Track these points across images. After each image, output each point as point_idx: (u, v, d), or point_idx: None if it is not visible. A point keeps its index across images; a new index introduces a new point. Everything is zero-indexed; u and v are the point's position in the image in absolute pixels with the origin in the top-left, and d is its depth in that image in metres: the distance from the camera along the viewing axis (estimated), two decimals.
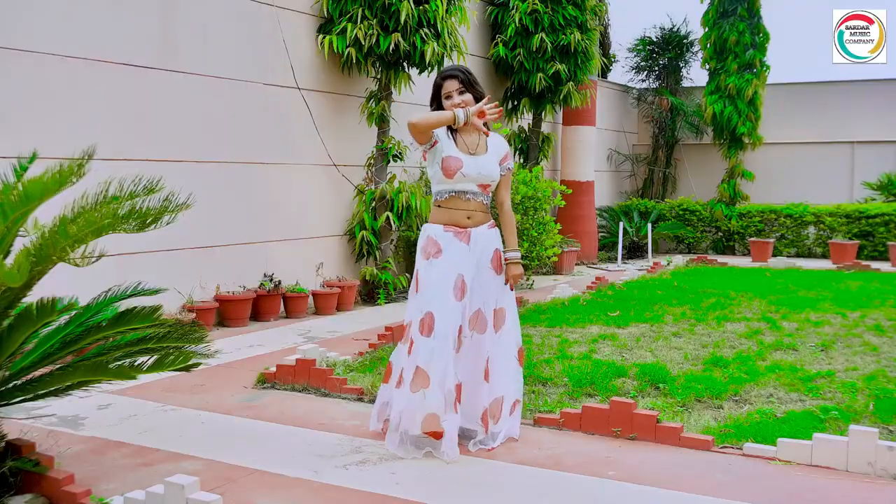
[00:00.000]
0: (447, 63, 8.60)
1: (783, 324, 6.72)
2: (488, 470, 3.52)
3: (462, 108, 3.78)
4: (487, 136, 3.88)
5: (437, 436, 3.59)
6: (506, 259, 3.90)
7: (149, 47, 6.52)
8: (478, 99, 3.87)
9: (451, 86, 3.83)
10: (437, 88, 3.88)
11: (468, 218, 3.81)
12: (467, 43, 9.23)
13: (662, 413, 4.10)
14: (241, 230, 7.35)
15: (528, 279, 10.02)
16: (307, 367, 4.80)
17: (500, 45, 10.72)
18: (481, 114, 3.75)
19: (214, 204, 7.02)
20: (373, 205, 8.27)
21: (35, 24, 5.71)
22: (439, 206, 3.84)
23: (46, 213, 3.03)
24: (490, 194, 3.90)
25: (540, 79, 10.53)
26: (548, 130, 12.44)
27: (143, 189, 2.99)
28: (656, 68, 15.56)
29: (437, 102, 3.88)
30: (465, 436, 3.82)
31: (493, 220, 3.94)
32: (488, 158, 3.85)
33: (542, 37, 10.39)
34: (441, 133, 3.84)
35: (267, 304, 7.30)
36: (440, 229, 3.80)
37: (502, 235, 3.98)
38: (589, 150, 12.52)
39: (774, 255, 12.88)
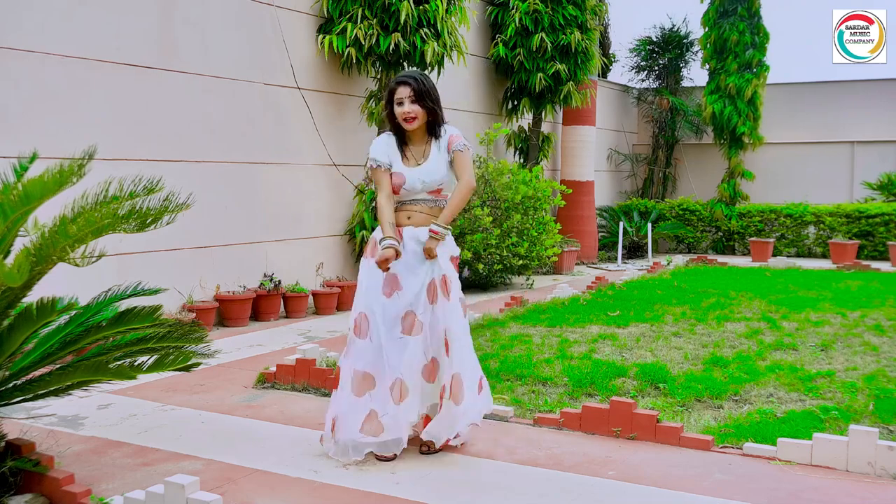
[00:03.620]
0: (447, 63, 8.61)
1: (783, 324, 6.72)
2: (488, 470, 3.52)
3: (411, 119, 3.71)
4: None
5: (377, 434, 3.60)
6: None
7: (149, 47, 6.52)
8: (430, 112, 3.75)
9: (403, 92, 3.73)
10: (391, 93, 3.78)
11: (408, 218, 3.78)
12: (467, 43, 9.23)
13: (662, 413, 4.10)
14: (240, 230, 7.35)
15: (528, 279, 10.03)
16: (307, 367, 4.80)
17: (500, 44, 10.72)
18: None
19: (214, 204, 7.02)
20: (373, 204, 8.27)
21: (35, 24, 5.71)
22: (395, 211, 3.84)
23: (46, 213, 3.03)
24: (445, 194, 3.81)
25: (540, 79, 10.53)
26: (548, 130, 12.44)
27: (143, 189, 2.99)
28: (656, 68, 15.56)
29: (390, 107, 3.81)
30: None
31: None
32: (431, 164, 3.77)
33: (542, 37, 10.39)
34: (391, 151, 3.80)
35: (267, 304, 7.30)
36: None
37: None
38: (589, 149, 12.52)
39: (774, 255, 12.88)
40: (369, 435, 3.57)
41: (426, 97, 3.74)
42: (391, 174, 3.77)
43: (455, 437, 3.71)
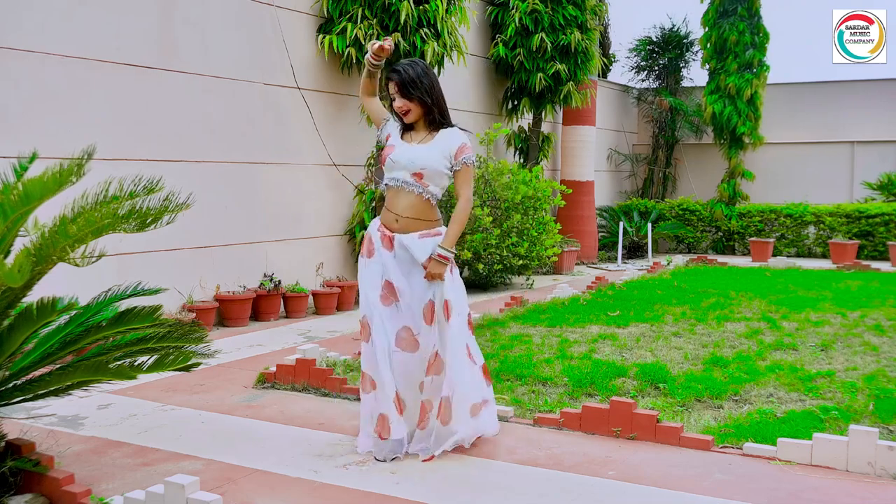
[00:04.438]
0: (447, 63, 8.61)
1: (783, 324, 6.72)
2: (488, 470, 3.52)
3: (405, 112, 3.68)
4: (380, 54, 3.63)
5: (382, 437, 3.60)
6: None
7: (149, 47, 6.52)
8: (421, 103, 3.66)
9: (392, 87, 3.66)
10: (386, 89, 3.78)
11: (396, 221, 3.68)
12: (467, 43, 9.23)
13: (662, 413, 4.10)
14: (240, 230, 7.35)
15: (528, 279, 10.03)
16: (307, 367, 4.80)
17: (500, 44, 10.72)
18: (380, 48, 3.61)
19: (214, 204, 7.02)
20: (373, 204, 8.27)
21: (35, 24, 5.71)
22: (382, 198, 3.83)
23: (46, 213, 3.03)
24: (428, 186, 3.66)
25: (540, 79, 10.53)
26: (548, 130, 12.44)
27: (143, 189, 2.99)
28: (656, 68, 15.57)
29: (391, 101, 3.77)
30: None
31: (431, 231, 3.70)
32: (427, 149, 3.68)
33: (542, 37, 10.39)
34: (392, 128, 3.82)
35: (267, 303, 7.30)
36: (376, 226, 3.76)
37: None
38: (589, 149, 12.52)
39: (774, 255, 12.88)
40: (376, 435, 3.61)
41: (411, 87, 3.63)
42: (386, 146, 3.81)
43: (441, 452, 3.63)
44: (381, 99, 3.87)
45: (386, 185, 3.77)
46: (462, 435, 3.64)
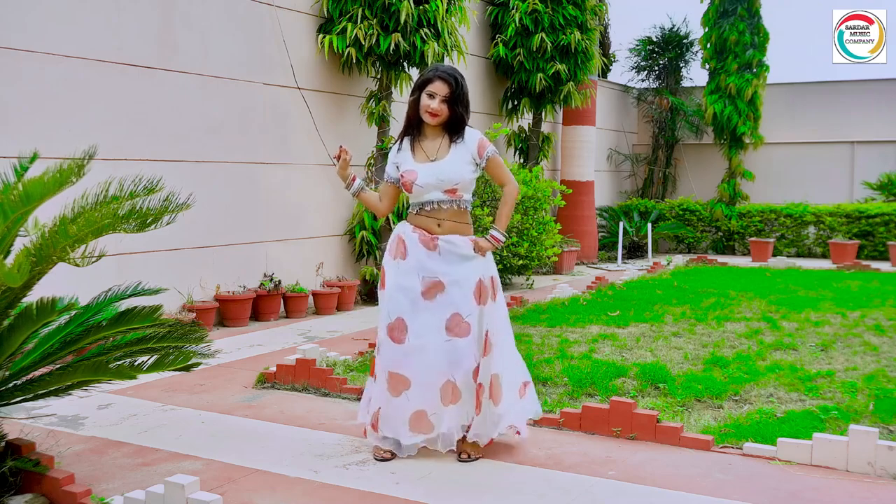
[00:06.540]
0: (447, 63, 8.60)
1: (783, 324, 6.72)
2: (488, 470, 3.52)
3: (434, 116, 3.64)
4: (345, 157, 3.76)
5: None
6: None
7: (149, 47, 6.52)
8: (455, 120, 3.67)
9: (440, 89, 3.62)
10: (425, 82, 3.66)
11: (438, 226, 3.67)
12: (467, 43, 9.23)
13: (662, 413, 4.10)
14: (241, 230, 7.35)
15: (528, 279, 10.03)
16: (307, 367, 4.80)
17: (500, 45, 10.72)
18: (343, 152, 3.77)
19: (214, 204, 7.02)
20: None
21: (35, 24, 5.72)
22: (413, 215, 3.76)
23: (46, 213, 3.03)
24: (463, 196, 3.69)
25: (540, 79, 10.53)
26: (548, 130, 12.44)
27: (143, 189, 2.99)
28: (656, 68, 15.56)
29: (417, 93, 3.69)
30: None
31: (471, 235, 3.74)
32: (449, 163, 3.65)
33: (542, 37, 10.39)
34: (398, 156, 3.77)
35: (267, 304, 7.30)
36: (409, 229, 3.70)
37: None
38: (589, 149, 12.52)
39: (774, 255, 12.88)
40: (418, 433, 3.59)
41: (459, 103, 3.67)
42: (401, 174, 3.73)
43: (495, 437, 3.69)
44: (412, 96, 3.75)
45: (419, 209, 3.70)
46: (513, 419, 3.67)
